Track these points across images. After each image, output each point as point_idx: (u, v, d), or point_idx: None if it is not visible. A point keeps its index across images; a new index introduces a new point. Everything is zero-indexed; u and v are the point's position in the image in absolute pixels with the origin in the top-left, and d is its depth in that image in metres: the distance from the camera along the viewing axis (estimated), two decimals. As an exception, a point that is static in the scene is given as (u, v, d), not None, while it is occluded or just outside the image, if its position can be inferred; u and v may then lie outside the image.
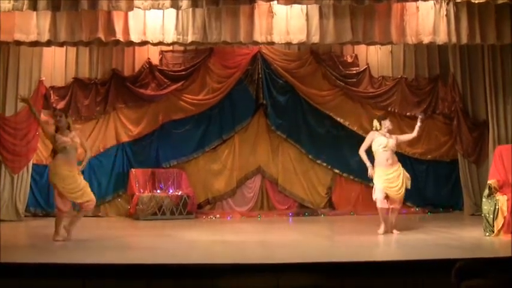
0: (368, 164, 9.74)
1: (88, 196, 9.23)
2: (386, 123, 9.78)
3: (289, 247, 8.72)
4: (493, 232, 9.00)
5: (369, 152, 9.82)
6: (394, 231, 9.65)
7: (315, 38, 10.06)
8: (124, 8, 9.12)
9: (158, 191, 11.98)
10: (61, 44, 10.43)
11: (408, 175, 9.80)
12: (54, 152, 9.20)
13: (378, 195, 9.64)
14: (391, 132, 9.84)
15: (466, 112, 12.29)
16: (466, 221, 11.36)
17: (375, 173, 9.68)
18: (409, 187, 9.79)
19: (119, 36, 9.88)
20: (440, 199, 12.70)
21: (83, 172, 11.90)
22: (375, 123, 9.84)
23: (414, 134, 10.06)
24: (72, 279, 6.39)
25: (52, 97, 12.03)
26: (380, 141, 9.63)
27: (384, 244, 8.67)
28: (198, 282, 6.41)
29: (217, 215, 12.15)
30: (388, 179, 9.60)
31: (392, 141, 9.68)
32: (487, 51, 11.81)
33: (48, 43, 10.11)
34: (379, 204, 9.64)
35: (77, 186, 9.12)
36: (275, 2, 9.45)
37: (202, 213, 12.21)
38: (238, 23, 9.89)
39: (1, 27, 9.67)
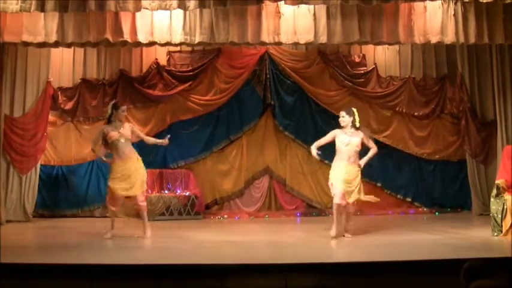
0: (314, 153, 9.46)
1: (134, 191, 9.28)
2: (346, 120, 9.34)
3: (297, 247, 8.72)
4: (502, 232, 8.97)
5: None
6: (346, 234, 9.30)
7: (323, 38, 10.05)
8: (131, 9, 9.13)
9: (166, 192, 12.00)
10: (69, 45, 10.46)
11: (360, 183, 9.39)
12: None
13: (336, 190, 9.15)
14: (358, 127, 9.37)
15: (474, 112, 12.24)
16: (474, 221, 11.33)
17: (334, 168, 9.31)
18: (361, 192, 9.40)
19: (127, 36, 9.90)
20: (448, 199, 12.67)
21: (90, 172, 12.11)
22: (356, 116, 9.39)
23: (373, 150, 9.51)
24: (80, 280, 6.41)
25: (60, 98, 12.08)
26: (342, 138, 9.26)
27: (391, 244, 8.64)
28: (206, 283, 6.41)
29: (225, 215, 12.17)
30: (347, 178, 9.17)
31: (356, 139, 9.26)
32: (495, 51, 11.77)
33: (56, 44, 10.14)
34: (337, 200, 9.13)
35: (129, 180, 9.22)
36: (282, 2, 9.45)
37: (210, 214, 12.24)
38: (246, 24, 9.89)
39: (9, 28, 9.72)
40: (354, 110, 9.51)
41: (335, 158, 9.39)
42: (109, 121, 9.36)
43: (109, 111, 9.40)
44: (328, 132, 9.57)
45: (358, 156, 9.33)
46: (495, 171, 10.75)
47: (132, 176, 9.25)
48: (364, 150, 9.49)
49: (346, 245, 8.86)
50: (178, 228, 10.36)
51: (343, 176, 9.17)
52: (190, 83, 12.39)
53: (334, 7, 9.83)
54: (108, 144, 9.29)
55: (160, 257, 7.79)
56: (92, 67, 12.31)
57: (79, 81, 12.23)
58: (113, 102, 9.64)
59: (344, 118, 9.35)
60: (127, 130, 9.33)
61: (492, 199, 9.28)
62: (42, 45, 10.24)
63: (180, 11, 9.69)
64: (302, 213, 12.38)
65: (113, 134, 9.19)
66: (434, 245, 8.49)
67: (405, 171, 12.80)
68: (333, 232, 9.16)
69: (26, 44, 10.24)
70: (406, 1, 9.82)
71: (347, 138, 9.24)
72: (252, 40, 10.02)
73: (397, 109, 12.60)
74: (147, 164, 12.01)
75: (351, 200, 9.20)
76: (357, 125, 9.34)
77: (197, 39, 9.97)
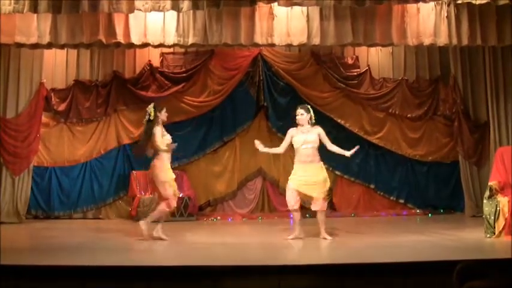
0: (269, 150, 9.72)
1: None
2: (304, 117, 9.33)
3: (290, 249, 8.72)
4: (494, 234, 8.97)
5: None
6: (326, 237, 9.18)
7: (316, 40, 10.06)
8: (125, 10, 9.11)
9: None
10: (62, 46, 10.43)
11: (327, 179, 9.30)
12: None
13: (288, 196, 9.23)
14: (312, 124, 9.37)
15: (467, 114, 12.26)
16: (467, 222, 11.34)
17: (293, 171, 9.29)
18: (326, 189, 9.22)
19: (120, 38, 9.89)
20: (441, 201, 12.69)
21: (84, 174, 12.13)
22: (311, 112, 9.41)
23: (334, 149, 9.43)
24: (73, 281, 6.40)
25: (53, 99, 12.03)
26: (298, 138, 9.25)
27: (384, 246, 8.65)
28: (199, 284, 6.41)
29: (218, 217, 12.14)
30: (303, 178, 9.15)
31: (312, 136, 9.23)
32: (488, 53, 11.79)
33: (49, 45, 10.11)
34: (290, 207, 9.30)
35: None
36: (275, 3, 9.45)
37: (203, 215, 12.21)
38: (239, 25, 9.90)
39: (2, 30, 9.67)
40: (309, 107, 9.60)
41: (295, 160, 9.43)
42: (151, 122, 9.34)
43: (152, 113, 9.35)
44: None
45: (317, 153, 9.31)
46: (488, 172, 10.77)
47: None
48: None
49: (339, 246, 8.86)
50: (172, 229, 10.32)
51: (298, 179, 9.20)
52: (183, 84, 12.37)
53: (328, 9, 9.85)
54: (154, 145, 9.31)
55: (153, 259, 7.78)
56: (85, 68, 12.28)
57: (72, 82, 12.19)
58: (153, 104, 9.59)
59: (303, 116, 9.34)
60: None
61: (485, 201, 9.28)
62: (35, 46, 10.21)
63: (174, 13, 9.68)
64: (295, 215, 12.37)
65: (168, 138, 9.33)
66: (427, 247, 8.50)
67: (398, 172, 12.80)
68: (291, 235, 9.25)
69: (19, 45, 10.21)
70: (399, 3, 9.84)
71: (302, 137, 9.23)
72: (245, 42, 10.03)
73: (390, 111, 12.61)
74: (140, 165, 12.01)
75: (315, 195, 9.12)
76: (313, 121, 9.38)
77: (190, 40, 9.97)
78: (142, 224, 9.19)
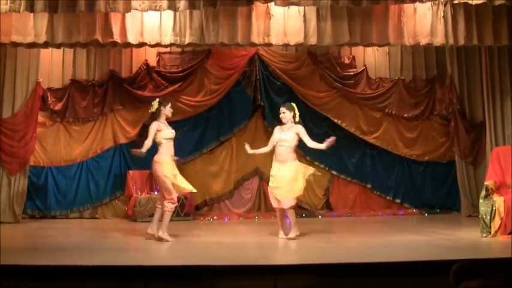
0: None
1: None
2: (287, 116, 9.22)
3: (286, 248, 8.72)
4: (490, 233, 8.99)
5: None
6: (291, 235, 9.17)
7: (313, 40, 10.07)
8: (121, 10, 9.12)
9: (156, 193, 11.92)
10: (58, 46, 10.43)
11: (298, 178, 9.09)
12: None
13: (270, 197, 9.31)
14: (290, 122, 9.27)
15: (464, 113, 12.28)
16: (463, 222, 11.37)
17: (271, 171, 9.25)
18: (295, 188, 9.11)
19: (117, 37, 9.89)
20: (437, 200, 12.72)
21: (80, 173, 12.07)
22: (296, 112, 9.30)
23: (314, 145, 9.26)
24: (71, 281, 6.39)
25: (49, 99, 12.04)
26: (275, 136, 9.23)
27: (381, 245, 8.65)
28: (196, 284, 6.41)
29: (215, 217, 12.16)
30: (275, 178, 9.17)
31: (287, 135, 9.15)
32: (484, 53, 11.80)
33: (46, 45, 10.11)
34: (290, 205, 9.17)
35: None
36: (272, 3, 9.46)
37: (200, 215, 12.22)
38: (236, 25, 9.91)
39: (-1, 29, 9.69)
40: (294, 104, 9.45)
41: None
42: (154, 118, 9.21)
43: (156, 106, 9.21)
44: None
45: (292, 152, 9.23)
46: (484, 172, 10.77)
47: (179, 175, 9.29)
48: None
49: (336, 246, 8.86)
50: (168, 229, 10.34)
51: (271, 181, 9.22)
52: (180, 84, 12.37)
53: (324, 9, 9.86)
54: (156, 141, 9.19)
55: (150, 258, 7.78)
56: (82, 68, 12.28)
57: (69, 82, 12.19)
58: (157, 99, 9.43)
59: (284, 114, 9.26)
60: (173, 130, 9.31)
61: (481, 200, 9.29)
62: (32, 45, 10.21)
63: (170, 12, 9.69)
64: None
65: (167, 133, 9.17)
66: (423, 246, 8.51)
67: (395, 172, 12.83)
68: (281, 234, 9.21)
69: (16, 45, 10.21)
70: (396, 3, 9.86)
71: (278, 136, 9.23)
72: (242, 41, 10.03)
73: (386, 110, 12.64)
74: (137, 165, 12.02)
75: (279, 198, 9.10)
76: (297, 119, 9.29)
77: (187, 40, 9.98)
78: (162, 234, 9.06)
